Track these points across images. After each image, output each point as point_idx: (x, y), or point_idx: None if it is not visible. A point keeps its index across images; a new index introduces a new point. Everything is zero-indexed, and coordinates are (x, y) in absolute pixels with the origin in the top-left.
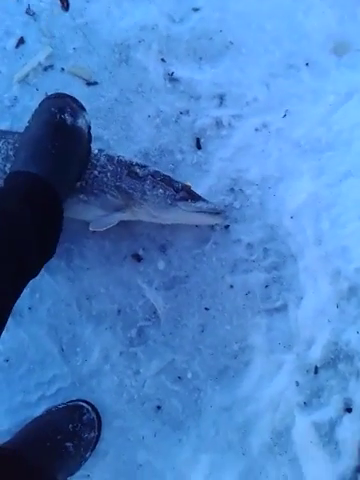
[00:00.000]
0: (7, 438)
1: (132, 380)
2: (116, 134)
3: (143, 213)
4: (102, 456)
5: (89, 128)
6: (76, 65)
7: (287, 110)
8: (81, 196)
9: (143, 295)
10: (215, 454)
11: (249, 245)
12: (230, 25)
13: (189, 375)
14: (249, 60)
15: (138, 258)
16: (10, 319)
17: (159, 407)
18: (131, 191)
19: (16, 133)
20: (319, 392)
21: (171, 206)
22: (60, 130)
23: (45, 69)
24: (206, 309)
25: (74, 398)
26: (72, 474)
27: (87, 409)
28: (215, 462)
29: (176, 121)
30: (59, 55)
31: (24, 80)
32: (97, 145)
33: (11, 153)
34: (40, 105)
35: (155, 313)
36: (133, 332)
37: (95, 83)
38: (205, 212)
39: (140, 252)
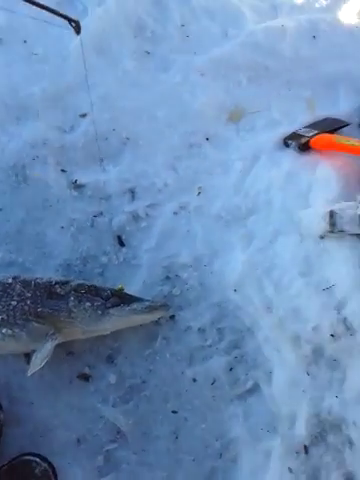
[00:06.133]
0: None
1: None
2: (31, 254)
3: (76, 332)
4: None
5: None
6: None
7: (200, 187)
8: (4, 330)
9: (101, 416)
10: None
11: (201, 330)
12: (122, 122)
13: None
14: (149, 150)
15: (85, 377)
16: None
17: None
18: (56, 313)
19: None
20: (316, 473)
21: (103, 316)
22: None
23: None
24: (174, 412)
25: None
26: None
27: (36, 462)
28: None
29: (92, 225)
30: None
31: None
32: (13, 271)
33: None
34: None
35: (119, 432)
36: (100, 459)
37: None
38: (143, 312)
39: (86, 370)
